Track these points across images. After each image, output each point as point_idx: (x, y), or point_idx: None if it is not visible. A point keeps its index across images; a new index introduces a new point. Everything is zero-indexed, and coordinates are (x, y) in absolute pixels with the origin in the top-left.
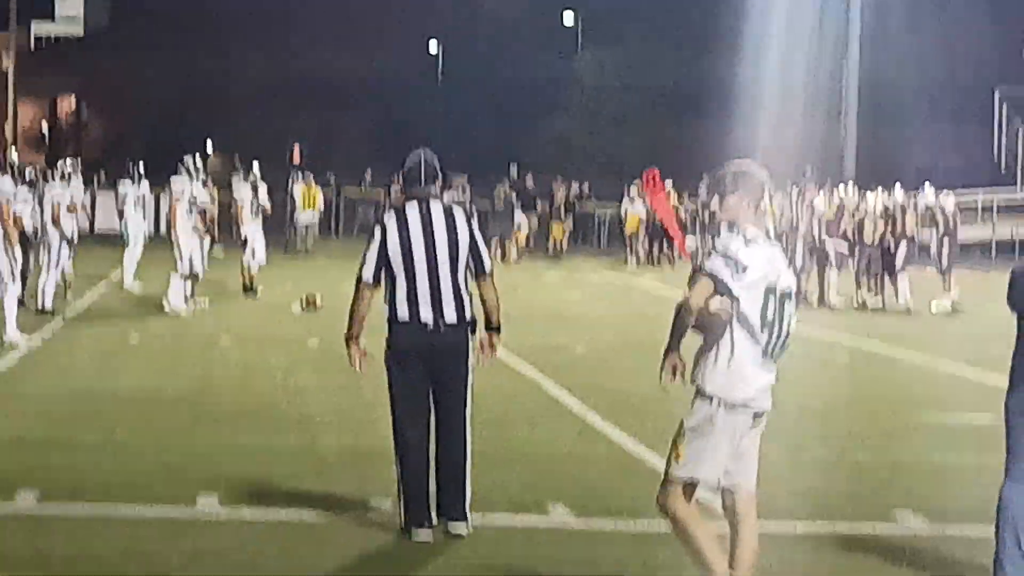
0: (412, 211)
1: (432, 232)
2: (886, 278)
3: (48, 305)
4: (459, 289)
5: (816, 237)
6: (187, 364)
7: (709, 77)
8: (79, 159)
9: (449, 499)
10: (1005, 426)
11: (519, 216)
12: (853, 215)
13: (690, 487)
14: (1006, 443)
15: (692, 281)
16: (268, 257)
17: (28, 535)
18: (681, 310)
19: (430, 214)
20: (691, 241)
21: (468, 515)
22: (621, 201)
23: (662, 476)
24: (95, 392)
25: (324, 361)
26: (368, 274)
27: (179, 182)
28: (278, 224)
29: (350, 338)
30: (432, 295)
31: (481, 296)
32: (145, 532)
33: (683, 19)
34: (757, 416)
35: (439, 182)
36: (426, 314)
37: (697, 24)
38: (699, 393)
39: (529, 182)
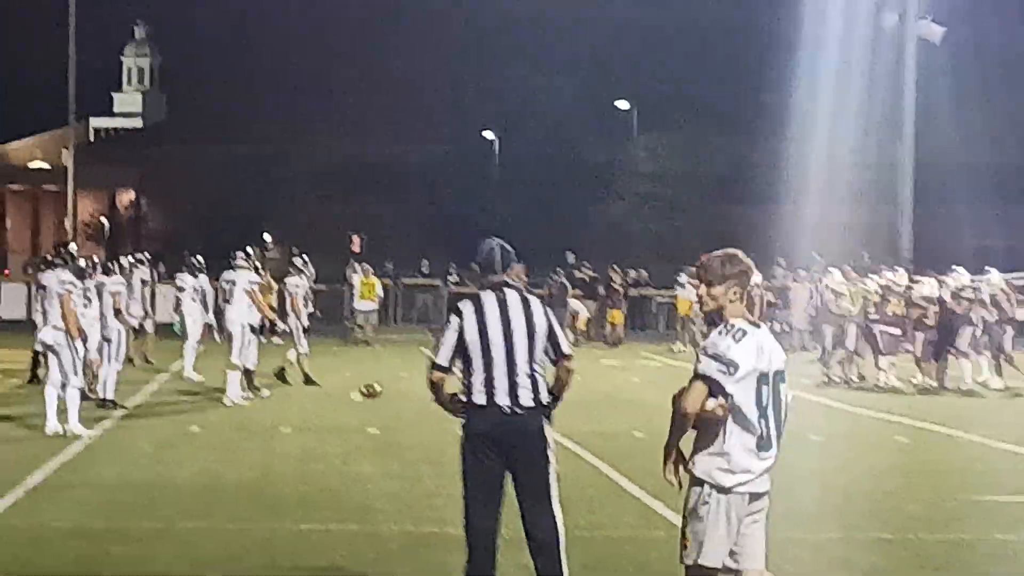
0: (489, 299)
1: (509, 319)
2: (944, 360)
3: (110, 396)
4: (535, 374)
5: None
6: (247, 453)
7: (762, 163)
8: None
9: None
10: None
11: (575, 303)
12: (902, 299)
13: (707, 571)
14: None
15: (688, 385)
16: (328, 346)
17: None
18: (677, 414)
19: (506, 301)
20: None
21: None
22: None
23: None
24: (155, 482)
25: (383, 449)
26: (443, 359)
27: (231, 275)
28: (337, 314)
29: (442, 403)
30: (509, 381)
31: (557, 375)
32: None
33: (736, 105)
34: (754, 498)
35: (513, 270)
36: (502, 399)
37: (750, 110)
38: (692, 478)
39: (586, 269)
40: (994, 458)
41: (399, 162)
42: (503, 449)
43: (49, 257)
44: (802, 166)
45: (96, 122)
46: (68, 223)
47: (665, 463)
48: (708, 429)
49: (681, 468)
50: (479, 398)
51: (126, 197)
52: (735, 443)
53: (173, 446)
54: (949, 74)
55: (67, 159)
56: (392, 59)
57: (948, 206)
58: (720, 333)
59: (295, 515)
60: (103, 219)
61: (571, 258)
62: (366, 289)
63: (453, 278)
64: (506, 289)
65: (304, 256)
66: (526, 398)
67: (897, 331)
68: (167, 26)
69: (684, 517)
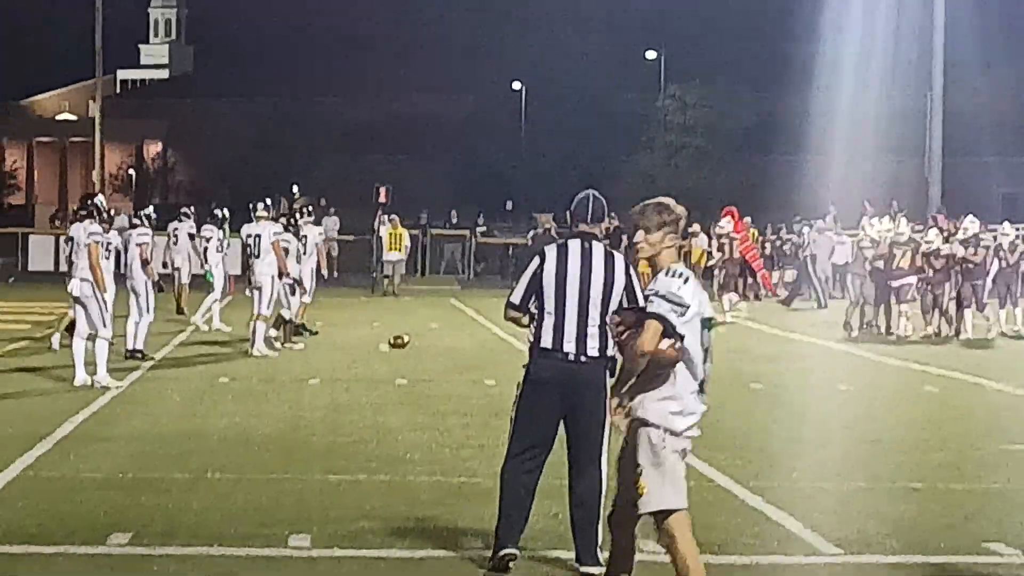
0: (574, 246)
1: (590, 269)
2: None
3: (140, 346)
4: (605, 328)
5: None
6: (276, 404)
7: (791, 113)
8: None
9: (583, 542)
10: None
11: None
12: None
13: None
14: None
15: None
16: (356, 297)
17: None
18: (633, 355)
19: (591, 252)
20: (775, 275)
21: (600, 558)
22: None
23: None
24: (185, 433)
25: (412, 400)
26: (516, 298)
27: (254, 227)
28: (365, 264)
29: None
30: (578, 328)
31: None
32: (238, 572)
33: (764, 56)
34: (692, 441)
35: (604, 223)
36: (569, 345)
37: (778, 61)
38: (645, 424)
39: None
40: (1022, 407)
41: (427, 114)
42: (563, 396)
43: (76, 208)
44: (829, 117)
45: (123, 74)
46: (95, 175)
47: (616, 406)
48: (658, 372)
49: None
50: (546, 340)
51: (153, 149)
52: (684, 386)
53: (202, 397)
54: (978, 25)
55: (94, 111)
56: (420, 11)
57: (976, 156)
58: (667, 275)
59: (325, 466)
60: (130, 171)
61: None
62: (393, 240)
63: (481, 228)
64: (593, 240)
65: (313, 209)
66: (593, 348)
67: (911, 279)
68: None
69: (636, 463)
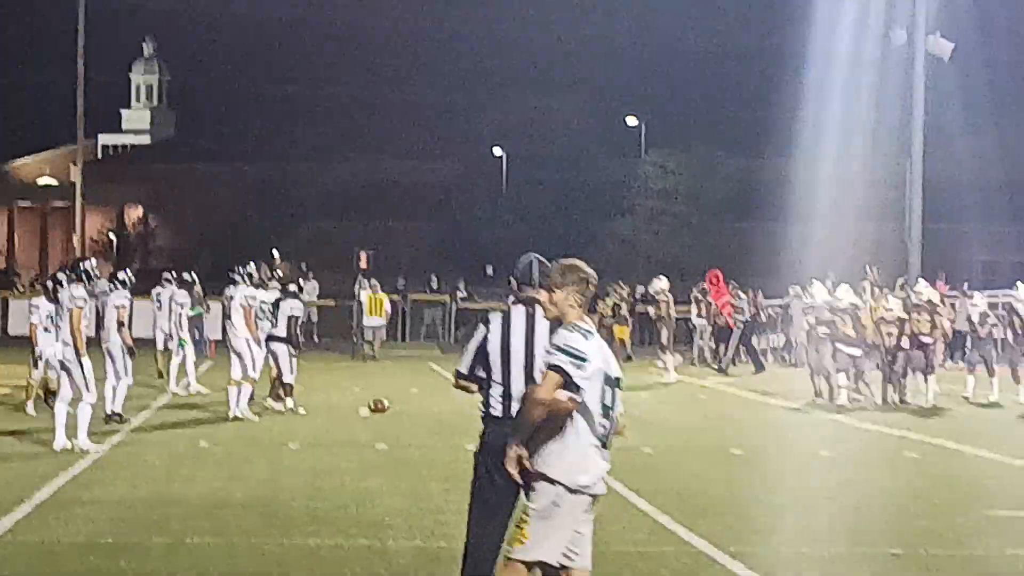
0: (517, 313)
1: (534, 336)
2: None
3: (118, 410)
4: None
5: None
6: (256, 468)
7: (772, 179)
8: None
9: None
10: None
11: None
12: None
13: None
14: None
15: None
16: (336, 362)
17: None
18: (530, 404)
19: (534, 317)
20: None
21: None
22: (689, 303)
23: (505, 558)
24: (165, 497)
25: (392, 465)
26: (464, 367)
27: (239, 290)
28: (345, 330)
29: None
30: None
31: None
32: None
33: (745, 123)
34: (594, 500)
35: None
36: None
37: (759, 127)
38: (543, 478)
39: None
40: (1004, 473)
41: (408, 179)
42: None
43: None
44: (810, 183)
45: (104, 139)
46: (76, 239)
47: (510, 455)
48: (555, 426)
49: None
50: (496, 409)
51: (134, 213)
52: (584, 442)
53: (182, 462)
54: (960, 91)
55: (75, 175)
56: (402, 78)
57: (957, 223)
58: (569, 330)
59: (305, 531)
60: (111, 235)
61: None
62: (374, 305)
63: (462, 294)
64: (537, 306)
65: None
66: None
67: (856, 351)
68: (175, 43)
69: (524, 514)
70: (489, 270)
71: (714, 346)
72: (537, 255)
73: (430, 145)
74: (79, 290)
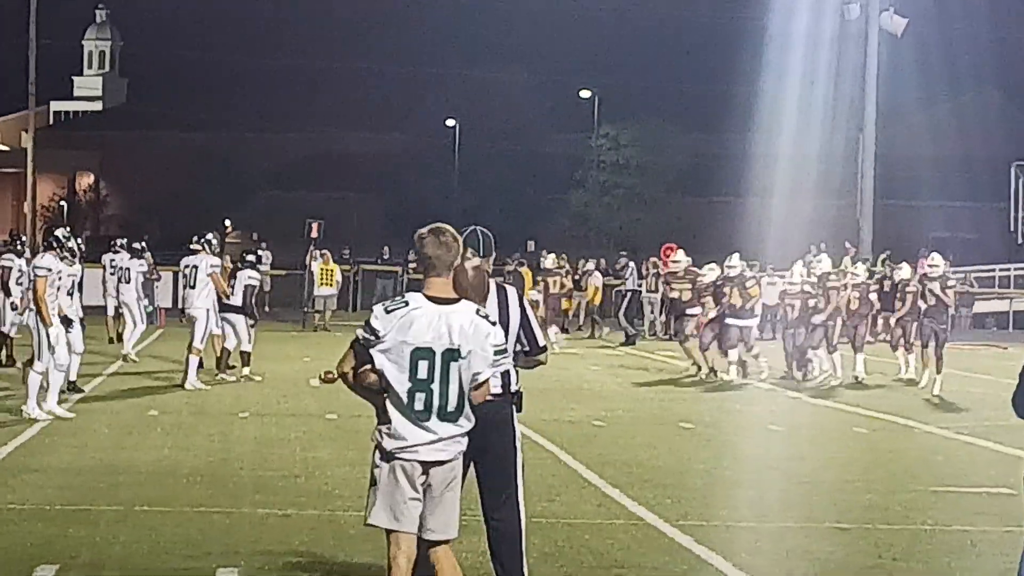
0: None
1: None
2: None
3: (72, 378)
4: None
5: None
6: (206, 438)
7: (724, 154)
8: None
9: None
10: None
11: (533, 293)
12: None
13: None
14: None
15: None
16: (287, 332)
17: None
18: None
19: None
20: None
21: None
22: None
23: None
24: (114, 465)
25: (342, 435)
26: None
27: (192, 259)
28: (296, 300)
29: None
30: None
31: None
32: None
33: (698, 96)
34: (429, 465)
35: (492, 258)
36: None
37: (712, 101)
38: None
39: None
40: (953, 449)
41: (360, 150)
42: (469, 437)
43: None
44: (765, 159)
45: (56, 105)
46: (27, 206)
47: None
48: (373, 394)
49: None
50: None
51: (85, 181)
52: (393, 411)
53: (131, 430)
54: (917, 68)
55: (27, 142)
56: (355, 49)
57: (913, 200)
58: (382, 302)
59: (254, 500)
60: (62, 202)
61: (531, 246)
62: (325, 275)
63: (413, 264)
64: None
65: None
66: (495, 386)
67: (744, 322)
68: (128, 10)
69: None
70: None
71: (664, 319)
72: (481, 228)
73: (382, 116)
74: (44, 259)
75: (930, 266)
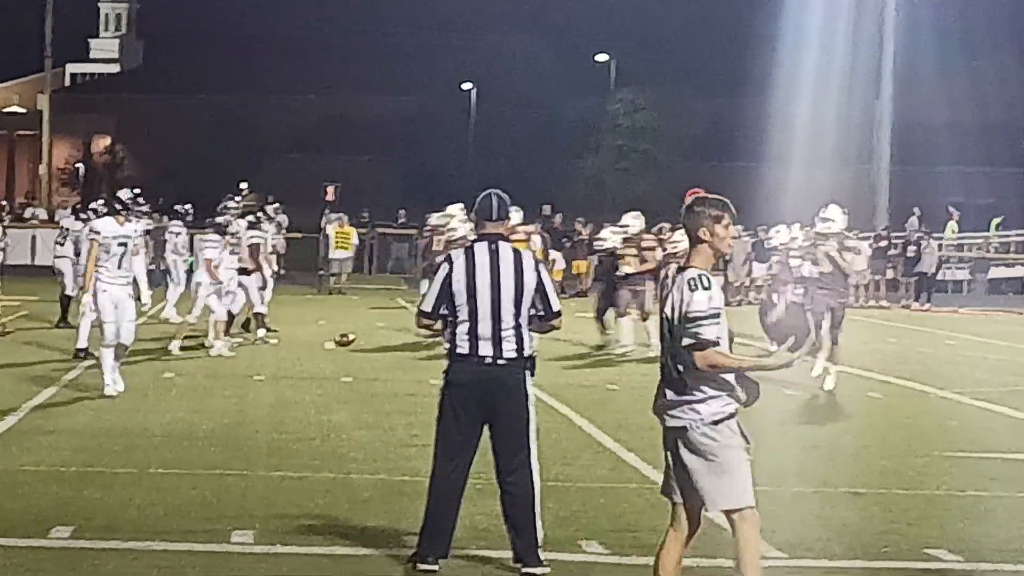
0: (481, 250)
1: (499, 271)
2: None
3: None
4: (520, 328)
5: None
6: (221, 400)
7: (741, 120)
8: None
9: (523, 542)
10: None
11: (552, 253)
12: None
13: None
14: None
15: None
16: (303, 295)
17: (62, 570)
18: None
19: (498, 253)
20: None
21: (540, 557)
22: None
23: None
24: (129, 428)
25: (357, 398)
26: (428, 306)
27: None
28: (312, 262)
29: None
30: (493, 332)
31: (542, 328)
32: (180, 567)
33: (715, 62)
34: (668, 430)
35: (509, 222)
36: (485, 349)
37: (729, 67)
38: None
39: (558, 221)
40: (967, 415)
41: (376, 114)
42: (483, 400)
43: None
44: (781, 125)
45: (73, 68)
46: (43, 168)
47: None
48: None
49: None
50: (462, 347)
51: (101, 143)
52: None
53: (147, 393)
54: (934, 33)
55: (43, 104)
56: (372, 14)
57: (929, 166)
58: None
59: (269, 463)
60: (78, 165)
61: (547, 211)
62: (341, 238)
63: (428, 229)
64: (500, 241)
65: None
66: (509, 349)
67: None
68: None
69: None
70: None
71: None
72: (498, 191)
73: (399, 79)
74: (98, 223)
75: (823, 220)
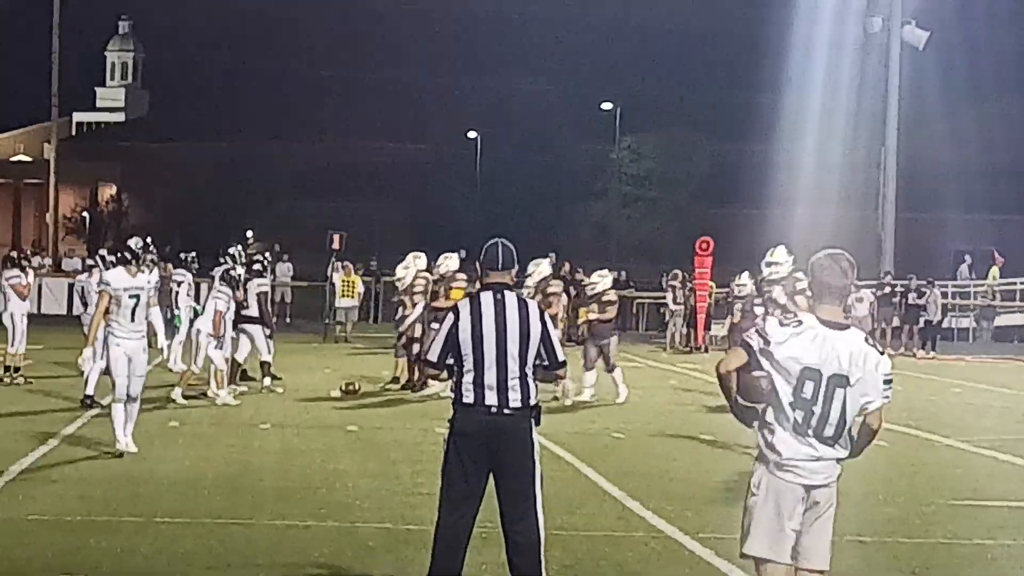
0: (487, 299)
1: (504, 320)
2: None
3: (91, 392)
4: (526, 378)
5: None
6: (226, 448)
7: (746, 165)
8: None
9: None
10: None
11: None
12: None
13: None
14: None
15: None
16: (308, 343)
17: None
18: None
19: (504, 303)
20: (717, 328)
21: None
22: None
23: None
24: (134, 476)
25: (362, 447)
26: (433, 356)
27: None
28: (317, 311)
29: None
30: (498, 381)
31: (546, 378)
32: None
33: (720, 108)
34: (808, 490)
35: (515, 271)
36: (491, 399)
37: (734, 112)
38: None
39: (566, 269)
40: (973, 463)
41: (383, 160)
42: (489, 450)
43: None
44: (787, 169)
45: (79, 116)
46: (49, 217)
47: None
48: (746, 408)
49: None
50: (467, 397)
51: (107, 191)
52: (776, 424)
53: (152, 441)
54: (940, 80)
55: (49, 153)
56: (377, 60)
57: (935, 212)
58: (775, 317)
59: (274, 511)
60: (84, 213)
61: (553, 258)
62: (347, 287)
63: (435, 278)
64: (505, 291)
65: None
66: (515, 399)
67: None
68: (151, 22)
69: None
70: (463, 253)
71: (686, 331)
72: (503, 240)
73: (405, 126)
74: (110, 274)
75: (767, 264)
